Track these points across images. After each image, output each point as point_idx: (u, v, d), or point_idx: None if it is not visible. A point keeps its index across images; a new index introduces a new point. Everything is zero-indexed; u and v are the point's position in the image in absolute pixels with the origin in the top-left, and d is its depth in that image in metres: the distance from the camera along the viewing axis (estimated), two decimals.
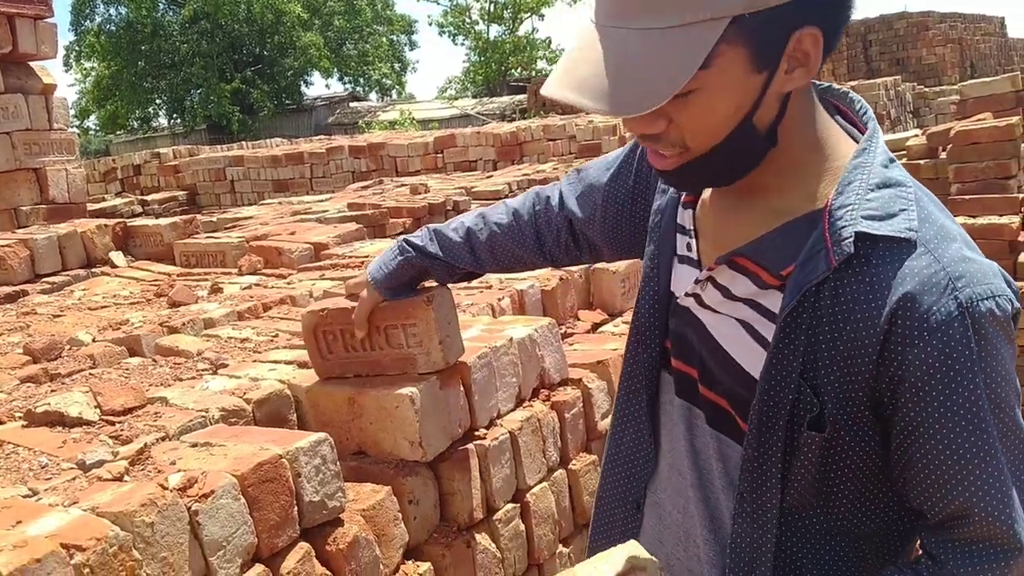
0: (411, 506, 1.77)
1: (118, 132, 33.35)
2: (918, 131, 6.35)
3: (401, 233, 5.59)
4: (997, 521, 0.92)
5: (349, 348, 1.76)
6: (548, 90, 0.91)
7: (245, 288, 3.02)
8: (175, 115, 32.32)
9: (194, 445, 1.62)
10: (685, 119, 0.92)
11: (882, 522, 1.02)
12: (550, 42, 33.53)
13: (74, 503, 1.39)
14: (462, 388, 1.90)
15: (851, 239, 0.92)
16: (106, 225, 3.80)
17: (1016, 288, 0.93)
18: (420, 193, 7.09)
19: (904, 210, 0.93)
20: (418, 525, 1.78)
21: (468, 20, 34.19)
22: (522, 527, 2.00)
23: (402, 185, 7.83)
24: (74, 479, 1.54)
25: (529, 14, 33.44)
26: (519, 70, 32.82)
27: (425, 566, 1.75)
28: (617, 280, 2.81)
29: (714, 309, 1.06)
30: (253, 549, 1.47)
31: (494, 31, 33.87)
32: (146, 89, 31.18)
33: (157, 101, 32.77)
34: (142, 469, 1.54)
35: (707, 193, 1.11)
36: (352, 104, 32.10)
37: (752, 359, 1.01)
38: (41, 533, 1.25)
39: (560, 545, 2.12)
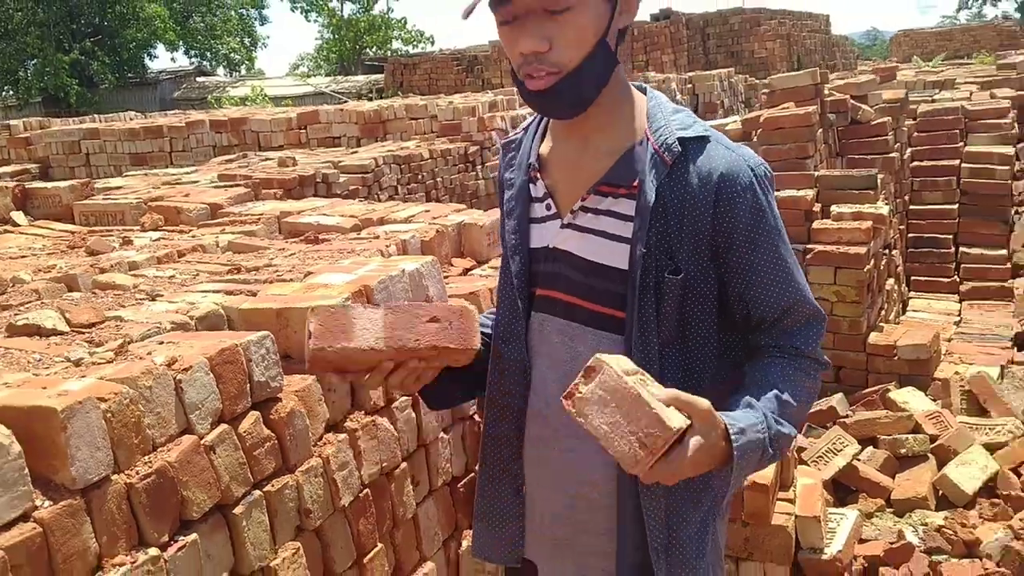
0: (330, 392, 2.28)
1: None
2: (736, 118, 7.22)
3: (277, 197, 5.93)
4: (808, 303, 1.46)
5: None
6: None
7: (154, 240, 3.40)
8: (7, 87, 30.60)
9: (161, 343, 2.07)
10: (561, 35, 1.31)
11: (714, 361, 1.47)
12: (405, 22, 33.66)
13: (83, 377, 1.83)
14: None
15: (676, 142, 1.39)
16: (6, 187, 4.04)
17: None
18: (288, 166, 7.40)
19: (695, 122, 1.45)
20: (336, 407, 2.29)
21: None
22: (413, 415, 2.54)
23: (267, 159, 8.08)
24: (67, 368, 1.97)
25: None
26: (374, 49, 32.80)
27: (342, 436, 2.27)
28: (484, 233, 3.37)
29: (585, 229, 1.45)
30: (219, 412, 1.95)
31: (348, 8, 33.72)
32: None
33: None
34: (125, 358, 1.98)
35: (553, 162, 1.54)
36: (199, 79, 31.28)
37: (615, 255, 1.42)
38: (74, 389, 1.70)
39: (442, 432, 2.67)
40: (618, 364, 1.26)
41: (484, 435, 1.69)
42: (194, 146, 10.63)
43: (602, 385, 1.22)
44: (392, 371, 1.49)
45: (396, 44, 33.33)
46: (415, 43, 33.22)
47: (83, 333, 2.23)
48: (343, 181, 7.05)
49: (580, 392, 1.24)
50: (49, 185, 4.12)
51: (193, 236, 3.45)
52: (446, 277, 3.20)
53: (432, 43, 33.40)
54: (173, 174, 7.48)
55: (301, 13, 34.74)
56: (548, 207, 1.51)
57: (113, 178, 7.68)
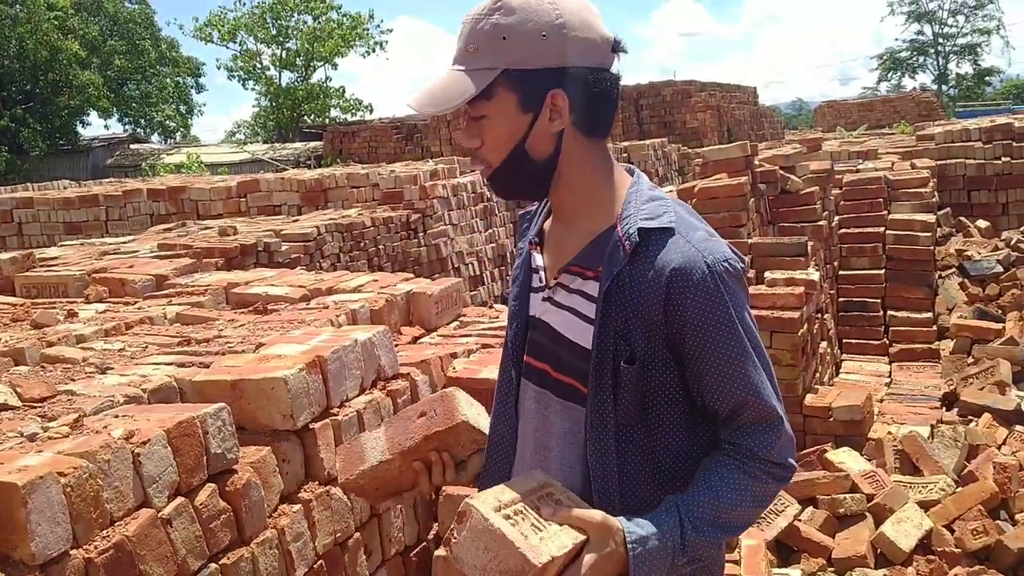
0: (284, 464, 2.29)
1: None
2: (672, 188, 7.45)
3: (219, 269, 5.91)
4: (763, 404, 1.41)
5: None
6: (407, 100, 1.48)
7: (100, 312, 3.38)
8: None
9: (116, 416, 2.08)
10: (484, 137, 1.44)
11: (682, 440, 1.47)
12: (343, 91, 33.87)
13: (40, 452, 1.82)
14: (320, 376, 2.44)
15: (635, 232, 1.40)
16: None
17: (740, 255, 1.45)
18: (229, 235, 7.38)
19: (665, 212, 1.43)
20: (290, 479, 2.30)
21: (259, 66, 33.96)
22: None
23: (207, 228, 8.03)
24: (22, 443, 1.95)
25: (323, 63, 33.72)
26: (312, 117, 32.91)
27: (296, 507, 2.28)
28: (432, 301, 3.43)
29: (560, 304, 1.50)
30: (176, 485, 1.95)
31: (286, 77, 33.86)
32: None
33: None
34: (81, 432, 1.98)
35: (549, 236, 1.58)
36: (133, 146, 30.93)
37: (582, 334, 1.46)
38: (33, 464, 1.70)
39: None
40: (496, 498, 1.30)
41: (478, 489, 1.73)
42: (131, 215, 10.53)
43: (471, 529, 1.27)
44: (429, 471, 1.61)
45: (335, 112, 33.51)
46: (354, 111, 33.44)
47: (35, 408, 2.21)
48: (285, 250, 7.06)
49: (454, 538, 1.29)
50: None
51: (139, 308, 3.44)
52: (396, 346, 3.25)
53: (371, 111, 33.66)
54: (111, 244, 7.39)
55: (238, 81, 34.74)
56: (540, 279, 1.57)
57: (48, 248, 7.57)
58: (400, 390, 2.75)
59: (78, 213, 10.50)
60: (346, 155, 23.22)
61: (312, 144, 26.74)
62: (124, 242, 7.53)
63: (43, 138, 29.20)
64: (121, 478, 1.83)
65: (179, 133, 38.00)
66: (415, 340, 3.34)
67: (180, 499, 1.95)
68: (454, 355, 3.06)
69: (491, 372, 2.69)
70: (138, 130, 35.22)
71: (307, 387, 2.35)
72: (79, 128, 32.78)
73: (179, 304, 3.45)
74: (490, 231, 9.96)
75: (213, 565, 2.00)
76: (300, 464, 2.35)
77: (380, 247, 8.08)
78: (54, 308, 3.55)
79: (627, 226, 1.43)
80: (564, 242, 1.54)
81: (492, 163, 1.47)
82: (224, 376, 2.35)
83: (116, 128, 36.12)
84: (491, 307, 4.53)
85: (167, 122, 36.63)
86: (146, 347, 2.82)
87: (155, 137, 36.42)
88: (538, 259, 1.58)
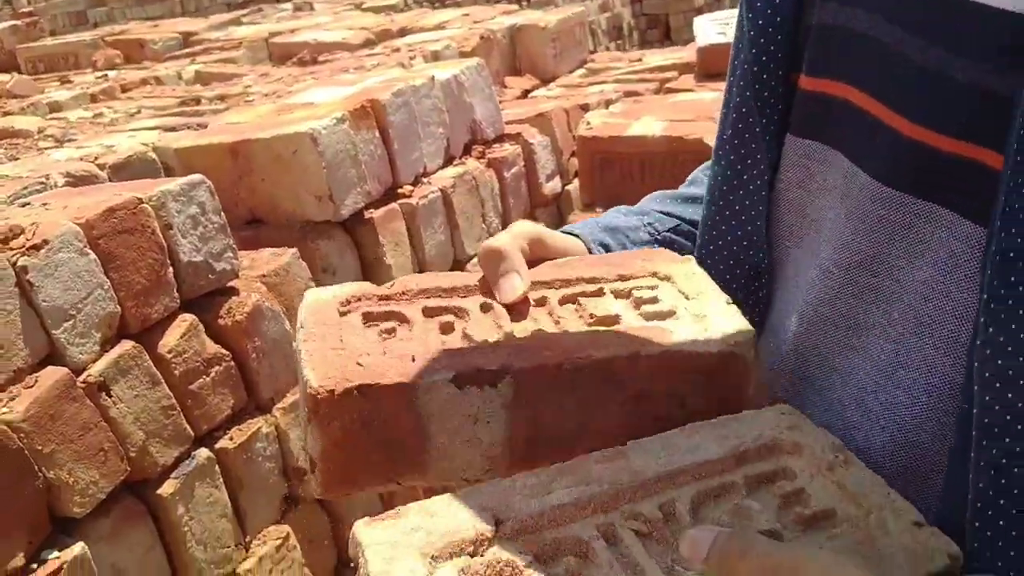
0: (326, 275, 1.41)
1: None
2: None
3: None
4: None
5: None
6: None
7: (99, 78, 2.51)
8: None
9: (25, 205, 1.21)
10: None
11: None
12: None
13: None
14: (378, 133, 1.52)
15: None
16: None
17: None
18: None
19: None
20: None
21: None
22: None
23: None
24: None
25: None
26: None
27: None
28: (548, 38, 2.41)
29: None
30: (116, 320, 1.10)
31: None
32: None
33: None
34: None
35: None
36: None
37: None
38: None
39: None
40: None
41: None
42: None
43: None
44: None
45: None
46: None
47: None
48: None
49: None
50: None
51: (152, 71, 2.56)
52: (500, 103, 2.28)
53: None
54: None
55: None
56: None
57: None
58: (507, 157, 1.80)
59: None
60: None
61: None
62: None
63: None
64: None
65: None
66: (526, 94, 2.36)
67: (127, 344, 1.10)
68: (584, 107, 2.07)
69: (645, 126, 1.71)
70: None
71: (354, 150, 1.43)
72: None
73: (203, 63, 2.54)
74: None
75: (203, 451, 1.17)
76: (354, 275, 1.48)
77: None
78: (55, 82, 2.71)
79: None
80: None
81: None
82: (220, 137, 1.44)
83: None
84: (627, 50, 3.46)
85: None
86: (137, 112, 1.95)
87: None
88: None
